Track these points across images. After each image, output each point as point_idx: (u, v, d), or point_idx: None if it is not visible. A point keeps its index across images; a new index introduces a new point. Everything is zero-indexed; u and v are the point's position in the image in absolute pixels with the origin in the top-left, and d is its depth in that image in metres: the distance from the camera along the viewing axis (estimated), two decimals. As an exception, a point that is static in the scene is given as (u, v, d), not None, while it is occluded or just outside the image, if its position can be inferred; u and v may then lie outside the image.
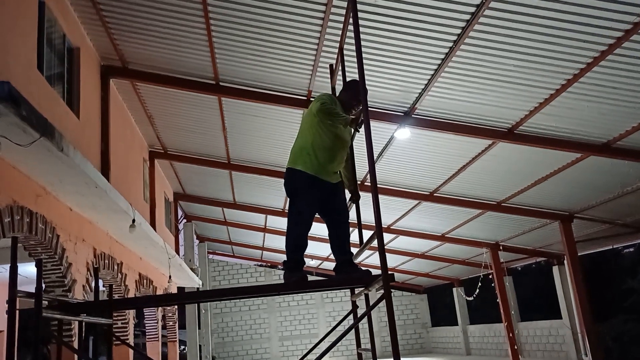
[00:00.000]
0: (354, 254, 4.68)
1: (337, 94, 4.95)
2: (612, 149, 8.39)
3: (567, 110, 7.65)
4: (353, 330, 4.93)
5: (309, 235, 4.53)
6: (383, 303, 3.31)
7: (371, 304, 3.78)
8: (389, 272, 3.58)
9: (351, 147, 4.95)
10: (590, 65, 6.53)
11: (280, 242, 19.97)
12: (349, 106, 4.64)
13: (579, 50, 6.31)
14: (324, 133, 4.48)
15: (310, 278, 17.44)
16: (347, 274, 4.42)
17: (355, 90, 4.59)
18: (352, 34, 4.24)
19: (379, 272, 3.53)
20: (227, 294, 4.68)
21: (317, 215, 4.65)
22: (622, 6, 5.52)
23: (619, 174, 9.37)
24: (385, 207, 13.17)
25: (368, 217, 4.53)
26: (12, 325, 3.65)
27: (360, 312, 4.79)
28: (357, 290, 4.75)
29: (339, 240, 4.64)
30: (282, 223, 17.05)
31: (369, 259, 18.93)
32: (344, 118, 4.37)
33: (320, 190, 4.52)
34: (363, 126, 4.00)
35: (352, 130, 4.74)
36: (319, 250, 19.02)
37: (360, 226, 4.84)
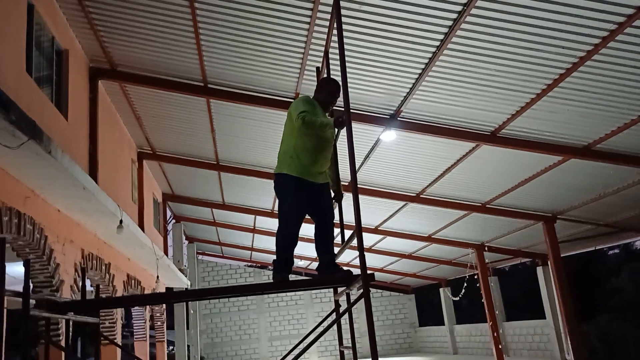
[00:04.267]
0: (336, 253, 4.80)
1: (313, 95, 5.03)
2: (592, 151, 8.57)
3: (548, 114, 7.82)
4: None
5: (298, 236, 4.66)
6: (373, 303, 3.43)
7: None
8: (370, 272, 3.72)
9: (335, 147, 5.06)
10: (569, 71, 6.69)
11: (269, 243, 20.06)
12: (326, 104, 4.77)
13: (558, 55, 6.47)
14: (306, 136, 4.59)
15: (300, 278, 17.42)
16: (330, 273, 4.55)
17: (330, 88, 4.74)
18: (337, 39, 4.38)
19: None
20: (211, 293, 4.79)
21: (307, 217, 4.76)
22: (599, 14, 5.69)
23: (601, 175, 9.56)
24: (372, 208, 13.31)
25: (352, 217, 4.64)
26: (0, 324, 3.72)
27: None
28: (339, 290, 4.87)
29: (323, 241, 4.76)
30: (271, 224, 17.14)
31: (357, 260, 19.05)
32: (327, 124, 4.40)
33: (306, 191, 4.64)
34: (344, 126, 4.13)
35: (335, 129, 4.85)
36: (307, 251, 19.12)
37: (342, 225, 4.96)
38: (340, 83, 4.81)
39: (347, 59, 7.14)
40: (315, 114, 4.51)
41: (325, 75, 5.51)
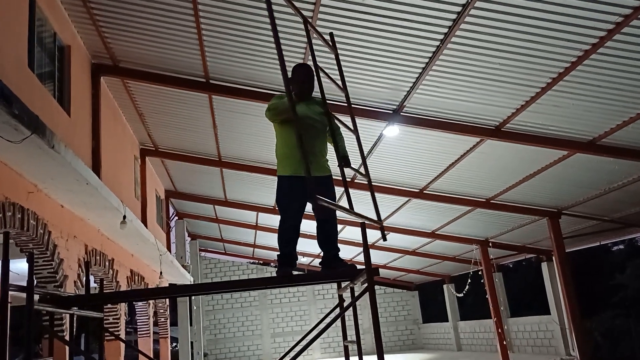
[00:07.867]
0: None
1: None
2: (597, 146, 8.52)
3: (553, 108, 7.77)
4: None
5: (300, 232, 4.62)
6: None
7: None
8: (374, 267, 3.68)
9: (330, 117, 4.84)
10: (574, 64, 6.65)
11: (271, 240, 20.04)
12: (302, 92, 4.74)
13: (563, 49, 6.43)
14: (285, 131, 4.64)
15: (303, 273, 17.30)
16: (333, 268, 4.52)
17: (296, 74, 4.72)
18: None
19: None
20: (215, 288, 4.79)
21: (311, 213, 4.70)
22: (604, 6, 5.64)
23: (605, 170, 9.51)
24: (375, 204, 13.25)
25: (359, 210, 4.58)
26: (4, 318, 3.71)
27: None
28: (343, 285, 4.84)
29: (326, 235, 4.72)
30: (273, 220, 17.13)
31: (360, 256, 19.03)
32: (284, 106, 4.47)
33: (303, 186, 4.55)
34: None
35: (319, 109, 4.73)
36: (310, 248, 19.12)
37: (347, 191, 4.83)
38: (309, 67, 4.72)
39: (349, 53, 7.18)
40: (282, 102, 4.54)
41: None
